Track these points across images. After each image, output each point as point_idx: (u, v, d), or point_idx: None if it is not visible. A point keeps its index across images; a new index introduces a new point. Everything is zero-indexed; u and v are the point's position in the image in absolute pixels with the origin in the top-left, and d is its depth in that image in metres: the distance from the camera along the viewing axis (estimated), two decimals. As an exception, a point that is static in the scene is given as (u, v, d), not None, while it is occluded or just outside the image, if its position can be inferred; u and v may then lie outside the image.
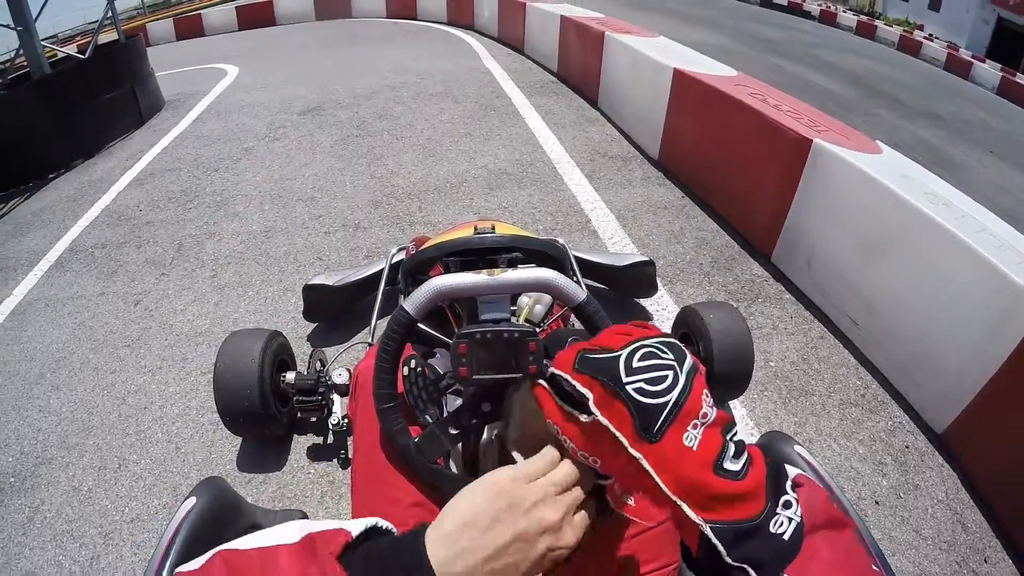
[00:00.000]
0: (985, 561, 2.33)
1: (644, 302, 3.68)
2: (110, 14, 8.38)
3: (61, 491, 2.86)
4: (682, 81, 4.83)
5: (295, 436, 2.95)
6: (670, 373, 0.60)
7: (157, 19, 19.08)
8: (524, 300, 1.99)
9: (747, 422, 2.89)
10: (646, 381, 0.59)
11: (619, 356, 0.62)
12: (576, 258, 2.88)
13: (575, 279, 2.49)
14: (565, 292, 1.11)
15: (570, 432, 0.65)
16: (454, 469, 1.38)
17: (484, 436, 1.37)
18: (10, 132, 6.49)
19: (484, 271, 1.12)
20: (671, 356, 0.62)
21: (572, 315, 1.20)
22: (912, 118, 6.40)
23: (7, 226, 5.66)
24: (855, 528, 0.63)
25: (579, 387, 0.62)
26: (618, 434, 0.60)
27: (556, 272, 1.13)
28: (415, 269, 1.63)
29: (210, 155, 6.45)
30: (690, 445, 0.58)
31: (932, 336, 2.75)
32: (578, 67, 7.42)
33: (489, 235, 1.46)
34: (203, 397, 3.17)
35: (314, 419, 2.99)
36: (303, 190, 5.47)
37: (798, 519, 0.57)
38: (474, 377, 1.03)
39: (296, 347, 3.28)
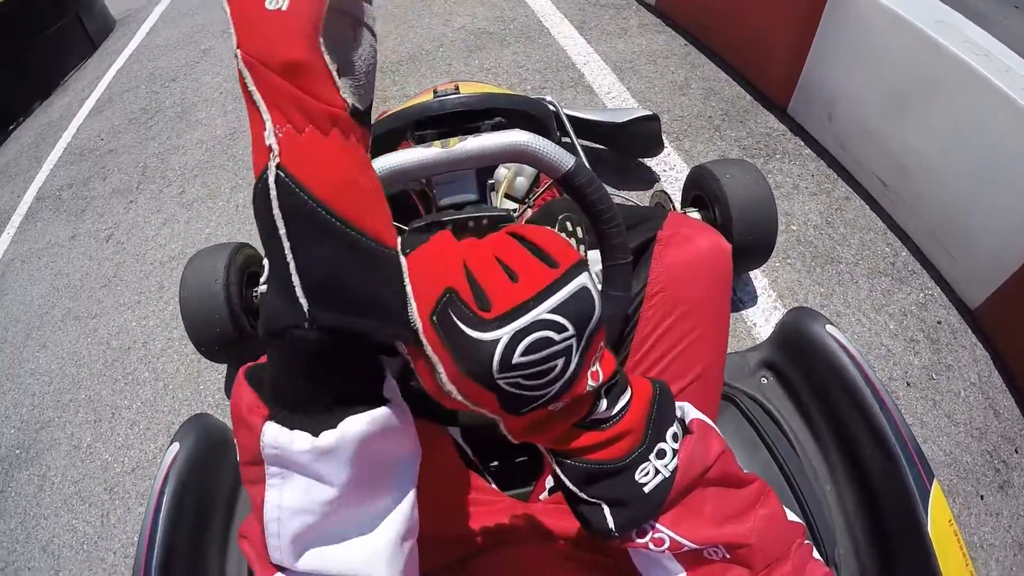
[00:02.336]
0: (1016, 451, 2.21)
1: (650, 162, 3.37)
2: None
3: (63, 452, 2.81)
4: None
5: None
6: (558, 362, 0.46)
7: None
8: (502, 172, 1.68)
9: (770, 293, 2.69)
10: (525, 377, 0.45)
11: (494, 342, 0.44)
12: (569, 116, 2.58)
13: (564, 142, 2.18)
14: (546, 159, 0.84)
15: (423, 375, 0.50)
16: None
17: None
18: (-40, 91, 6.16)
19: (438, 142, 0.86)
20: (570, 332, 0.46)
21: None
22: None
23: (-25, 190, 5.43)
24: (759, 484, 0.58)
25: (431, 353, 0.46)
26: (476, 408, 0.49)
27: (532, 134, 0.85)
28: (371, 148, 1.27)
29: (167, 65, 6.06)
30: (554, 409, 0.50)
31: (969, 202, 2.50)
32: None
33: (450, 96, 1.18)
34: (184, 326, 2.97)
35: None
36: (267, 81, 5.03)
37: (667, 474, 0.52)
38: None
39: (270, 255, 3.02)
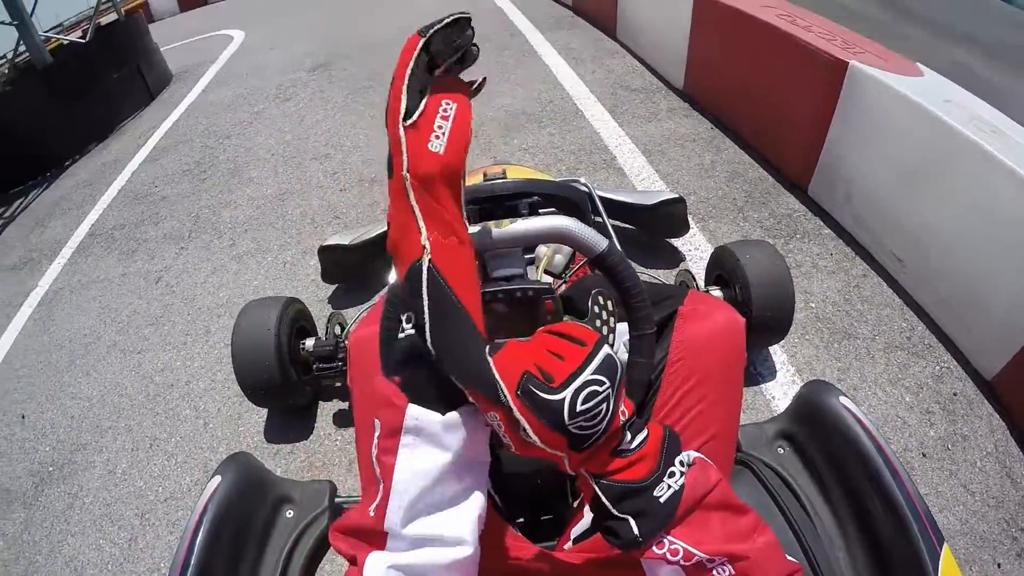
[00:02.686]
0: (1033, 521, 2.22)
1: (676, 242, 3.47)
2: (106, -4, 8.21)
3: (97, 475, 2.90)
4: (704, 5, 4.49)
5: (320, 403, 2.89)
6: (604, 405, 0.64)
7: (159, -7, 18.74)
8: (543, 250, 1.83)
9: (788, 368, 2.73)
10: (586, 419, 0.63)
11: (563, 400, 0.63)
12: (601, 198, 2.67)
13: (596, 222, 2.33)
14: (583, 241, 0.96)
15: (507, 428, 0.67)
16: None
17: None
18: (21, 125, 6.47)
19: (491, 223, 0.98)
20: (607, 385, 0.65)
21: None
22: (948, 40, 5.91)
23: (28, 219, 5.66)
24: (755, 515, 0.71)
25: (519, 416, 0.64)
26: (551, 451, 0.66)
27: (572, 219, 0.98)
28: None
29: (221, 123, 6.35)
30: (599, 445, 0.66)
31: (982, 275, 2.55)
32: (593, -3, 7.02)
33: (499, 181, 1.32)
34: (228, 370, 3.07)
35: (339, 384, 2.91)
36: (316, 148, 5.33)
37: (677, 487, 0.67)
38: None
39: (316, 311, 3.19)
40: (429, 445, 0.66)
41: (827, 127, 3.37)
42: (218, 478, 1.38)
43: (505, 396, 0.64)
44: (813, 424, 1.37)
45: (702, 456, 0.73)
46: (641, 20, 5.81)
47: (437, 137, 0.66)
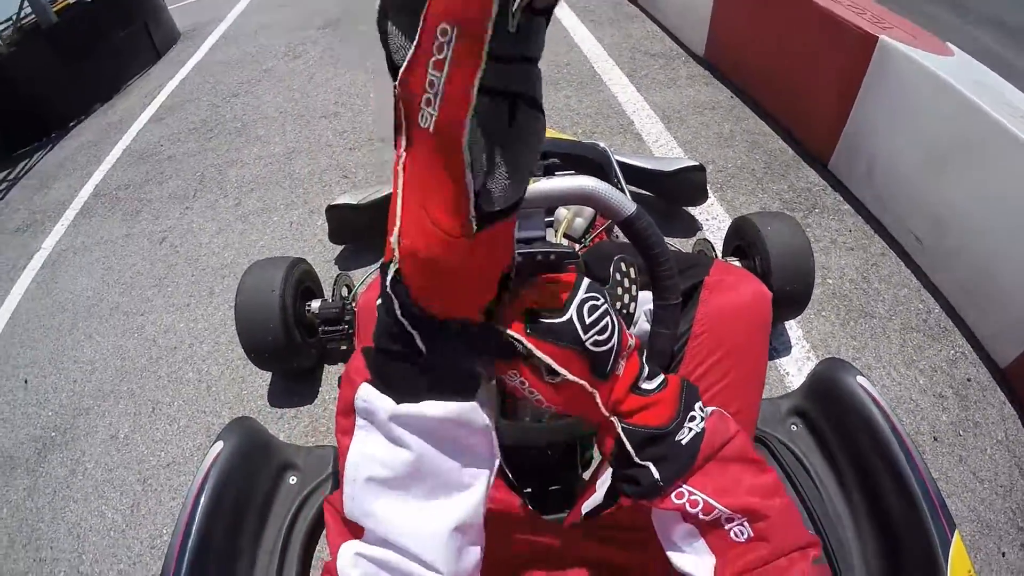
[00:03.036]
0: (1041, 510, 2.21)
1: (693, 210, 3.44)
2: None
3: (99, 440, 2.87)
4: (729, -29, 4.40)
5: (325, 366, 2.85)
6: (608, 319, 0.65)
7: (170, -48, 18.61)
8: (562, 212, 1.75)
9: (803, 344, 2.72)
10: (597, 332, 0.63)
11: (571, 317, 0.63)
12: (619, 163, 2.61)
13: (620, 187, 2.26)
14: (611, 204, 0.91)
15: (533, 381, 0.66)
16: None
17: None
18: (26, 86, 6.36)
19: None
20: (602, 300, 0.66)
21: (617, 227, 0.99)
22: (975, 22, 5.76)
23: (33, 180, 5.59)
24: (775, 474, 0.69)
25: (539, 354, 0.62)
26: (582, 382, 0.64)
27: (598, 180, 0.92)
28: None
29: (228, 81, 6.24)
30: (618, 373, 0.67)
31: (1002, 261, 2.51)
32: (613, -43, 6.81)
33: None
34: (232, 332, 3.00)
35: (344, 347, 2.85)
36: (325, 106, 5.22)
37: (698, 430, 0.66)
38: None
39: (323, 272, 3.11)
40: (380, 435, 0.60)
41: (852, 101, 3.31)
42: (220, 443, 1.36)
43: (518, 339, 0.62)
44: (828, 402, 1.36)
45: (719, 409, 0.72)
46: (663, -16, 5.66)
47: (429, 102, 0.45)
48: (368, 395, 0.59)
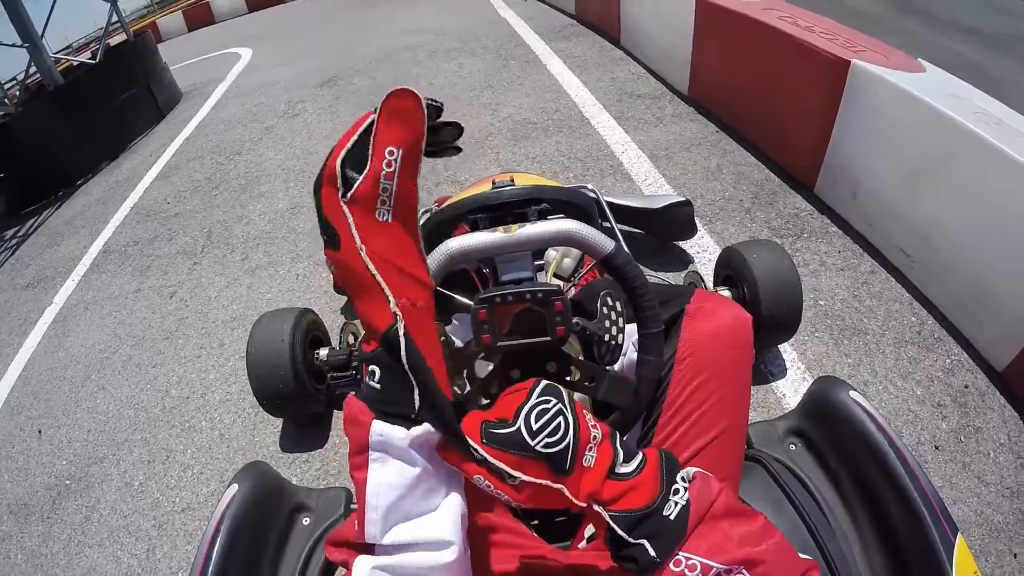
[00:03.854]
0: (1049, 509, 2.20)
1: (684, 244, 3.47)
2: (115, 17, 8.32)
3: (114, 488, 2.91)
4: (706, 10, 4.53)
5: (335, 412, 2.90)
6: (560, 419, 0.71)
7: (167, 14, 18.94)
8: (551, 254, 1.85)
9: (798, 365, 2.72)
10: (548, 434, 0.70)
11: (519, 428, 0.70)
12: (608, 203, 2.68)
13: (604, 227, 2.36)
14: (590, 244, 1.00)
15: (496, 484, 0.71)
16: None
17: None
18: (34, 146, 6.57)
19: (500, 228, 1.02)
20: (555, 401, 0.72)
21: None
22: (950, 34, 5.93)
23: (42, 237, 5.73)
24: (763, 518, 0.73)
25: (493, 460, 0.69)
26: (540, 482, 0.70)
27: (579, 223, 1.02)
28: (433, 231, 1.49)
29: (231, 139, 6.41)
30: (589, 465, 0.72)
31: (990, 268, 2.54)
32: (597, 6, 7.04)
33: (507, 188, 1.33)
34: (243, 381, 3.09)
35: (353, 392, 2.88)
36: (326, 163, 5.34)
37: (683, 502, 0.70)
38: (498, 344, 0.96)
39: (330, 322, 3.21)
40: (397, 459, 0.68)
41: (832, 126, 3.38)
42: (235, 487, 1.40)
43: (475, 448, 0.69)
44: (824, 420, 1.38)
45: (700, 470, 0.77)
46: (644, 27, 5.85)
47: (383, 203, 0.66)
48: (382, 429, 0.67)
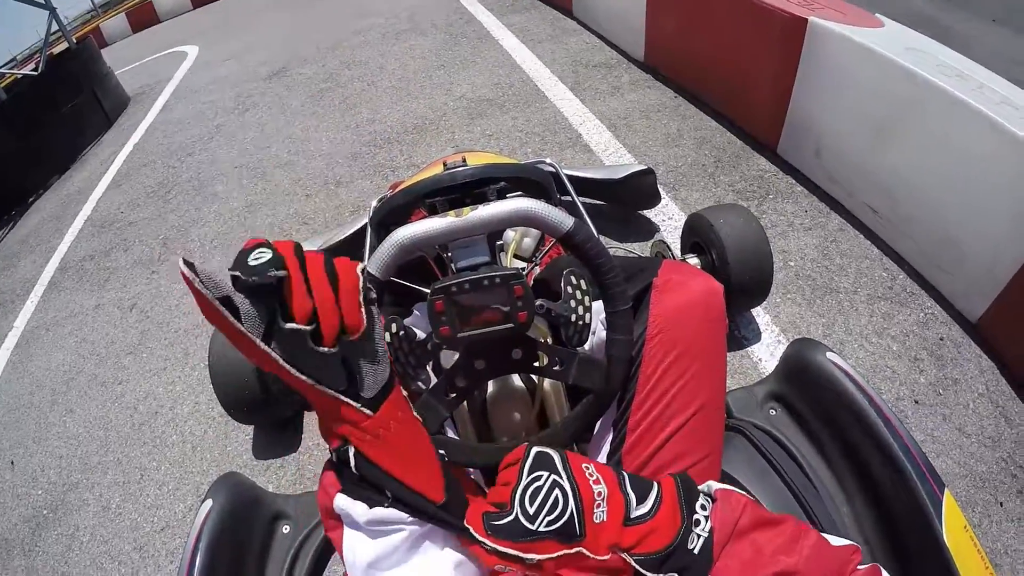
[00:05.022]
0: (1031, 455, 2.23)
1: (649, 213, 3.45)
2: (56, 26, 8.10)
3: (92, 513, 2.87)
4: (658, -25, 4.48)
5: (306, 414, 2.87)
6: (557, 491, 0.70)
7: (110, 17, 18.44)
8: (510, 235, 1.80)
9: (772, 329, 2.72)
10: (547, 512, 0.69)
11: (515, 514, 0.70)
12: (569, 176, 2.64)
13: (565, 201, 2.32)
14: (547, 222, 0.95)
15: (519, 568, 0.72)
16: (460, 430, 1.32)
17: (491, 389, 1.30)
18: (-20, 166, 6.37)
19: (451, 212, 0.97)
20: (546, 475, 0.72)
21: None
22: None
23: (-3, 260, 5.59)
24: (793, 521, 0.73)
25: (503, 549, 0.70)
26: (556, 554, 0.70)
27: (534, 200, 0.96)
28: (385, 220, 1.41)
29: (181, 141, 6.29)
30: (601, 520, 0.71)
31: (957, 219, 2.55)
32: (546, -24, 6.93)
33: (460, 168, 1.27)
34: (210, 391, 3.01)
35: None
36: (279, 156, 5.29)
37: (706, 534, 0.70)
38: (459, 335, 0.92)
39: (293, 322, 3.16)
40: (361, 533, 0.72)
41: (791, 85, 3.35)
42: (209, 501, 1.37)
43: (482, 541, 0.71)
44: (802, 382, 1.37)
45: (722, 487, 0.77)
46: (597, -4, 5.76)
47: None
48: (343, 504, 0.70)
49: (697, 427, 1.05)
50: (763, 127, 3.76)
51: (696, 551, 0.69)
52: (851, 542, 0.72)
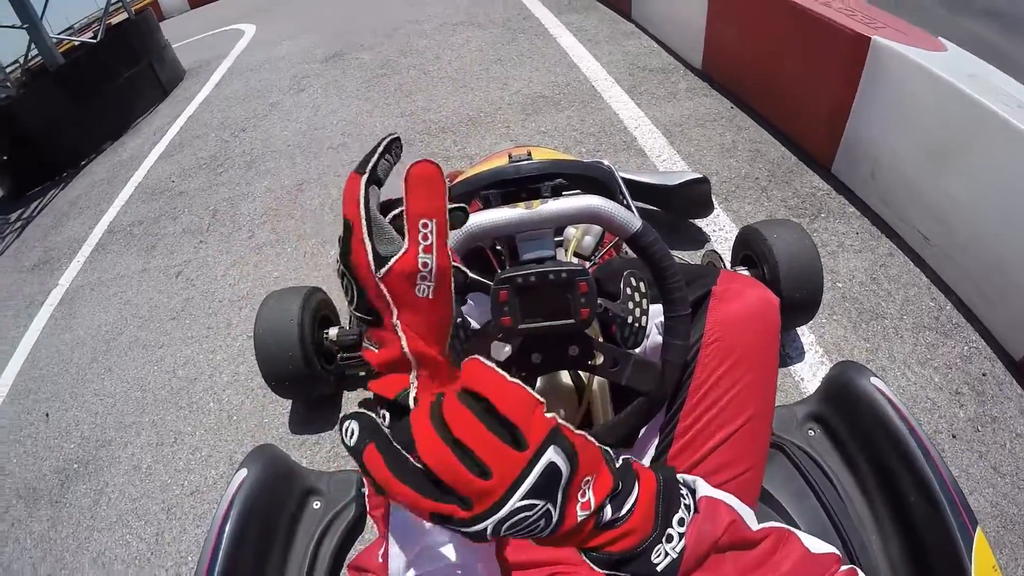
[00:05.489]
0: (1064, 503, 2.17)
1: (700, 222, 3.42)
2: (114, -2, 8.25)
3: (123, 471, 2.90)
4: (721, -18, 4.45)
5: (344, 393, 2.87)
6: (543, 520, 0.52)
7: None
8: (571, 232, 1.81)
9: (816, 349, 2.69)
10: (516, 534, 0.53)
11: (484, 530, 0.50)
12: (624, 179, 2.61)
13: (626, 204, 2.29)
14: (617, 221, 0.96)
15: None
16: None
17: (539, 384, 1.29)
18: (37, 127, 6.53)
19: (521, 204, 0.97)
20: (541, 503, 0.51)
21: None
22: (967, 14, 5.78)
23: (47, 218, 5.71)
24: (778, 539, 0.66)
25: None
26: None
27: (604, 199, 0.97)
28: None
29: (236, 116, 6.36)
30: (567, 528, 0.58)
31: (1009, 252, 2.48)
32: (607, -24, 6.89)
33: (524, 162, 1.26)
34: (250, 362, 3.08)
35: (362, 373, 2.88)
36: (332, 138, 5.30)
37: (675, 555, 0.62)
38: (519, 327, 0.92)
39: (339, 301, 3.14)
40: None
41: (850, 104, 3.29)
42: (244, 470, 1.38)
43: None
44: (844, 405, 1.36)
45: (710, 495, 0.70)
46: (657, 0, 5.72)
47: (424, 279, 0.58)
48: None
49: (745, 438, 1.05)
50: (819, 144, 3.71)
51: (659, 567, 0.61)
52: (833, 550, 0.66)
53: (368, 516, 0.69)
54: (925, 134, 2.85)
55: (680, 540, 0.63)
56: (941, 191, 2.80)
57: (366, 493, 0.67)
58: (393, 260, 0.56)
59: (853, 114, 3.31)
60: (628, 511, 0.61)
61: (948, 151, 2.74)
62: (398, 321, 0.59)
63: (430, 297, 0.59)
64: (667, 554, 0.62)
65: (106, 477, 2.89)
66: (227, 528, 1.26)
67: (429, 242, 0.57)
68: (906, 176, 3.02)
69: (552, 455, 0.51)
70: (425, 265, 0.57)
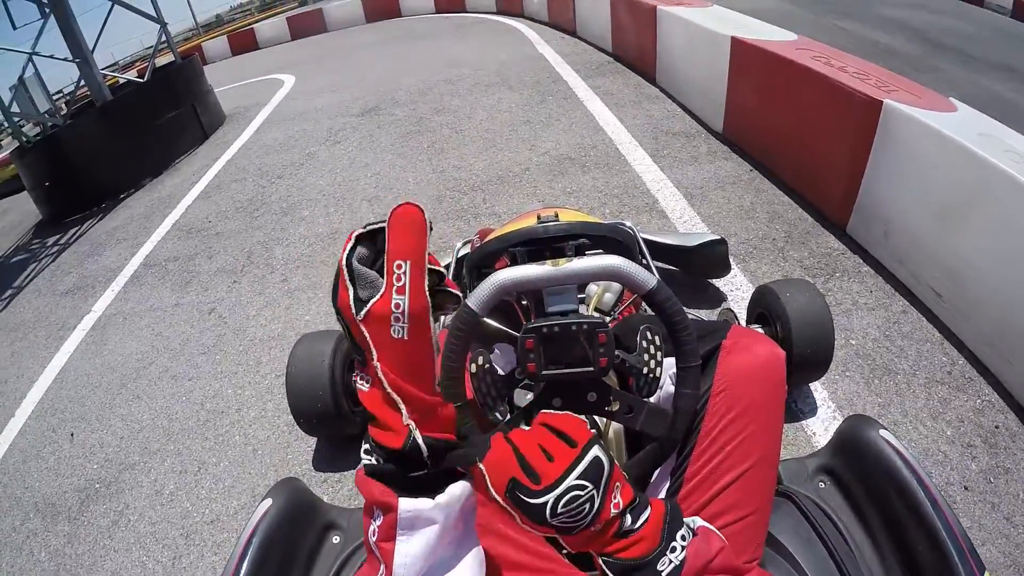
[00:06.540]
0: (1078, 554, 2.18)
1: (717, 282, 3.48)
2: (164, 38, 8.60)
3: (144, 495, 2.95)
4: (741, 50, 4.58)
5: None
6: (587, 506, 0.69)
7: (212, 38, 19.46)
8: (593, 288, 1.90)
9: (828, 405, 2.71)
10: (566, 518, 0.68)
11: (545, 504, 0.68)
12: (644, 240, 2.72)
13: (644, 263, 2.39)
14: (634, 279, 1.02)
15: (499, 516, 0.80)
16: None
17: None
18: (80, 158, 6.81)
19: (548, 261, 1.05)
20: (590, 487, 0.69)
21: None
22: (982, 71, 5.87)
23: (84, 246, 5.89)
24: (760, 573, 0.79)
25: (509, 509, 0.70)
26: (539, 533, 0.71)
27: (623, 258, 1.04)
28: (479, 263, 1.55)
29: (273, 163, 6.56)
30: (595, 530, 0.71)
31: (1021, 307, 2.50)
32: (633, 44, 7.14)
33: (552, 223, 1.36)
34: (278, 399, 3.18)
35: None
36: (366, 190, 5.47)
37: (677, 562, 0.72)
38: (543, 373, 0.99)
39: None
40: (420, 533, 0.72)
41: (864, 166, 3.38)
42: (268, 501, 1.44)
43: (495, 496, 0.70)
44: (854, 457, 1.39)
45: (706, 526, 0.80)
46: (680, 65, 5.92)
47: (397, 320, 0.67)
48: (410, 506, 0.70)
49: (751, 482, 1.10)
50: (834, 206, 3.78)
51: (664, 573, 0.71)
52: None
53: (374, 547, 0.75)
54: (936, 193, 2.92)
55: (682, 551, 0.73)
56: (953, 249, 2.85)
57: (376, 528, 0.73)
58: (371, 303, 0.66)
59: (867, 175, 3.39)
60: (642, 523, 0.73)
61: (959, 210, 2.79)
62: (378, 363, 0.68)
63: (404, 338, 0.68)
64: (671, 562, 0.72)
65: (127, 499, 2.94)
66: (248, 556, 1.30)
67: (402, 283, 0.66)
68: (918, 235, 3.08)
69: (596, 451, 0.71)
70: (397, 306, 0.66)
